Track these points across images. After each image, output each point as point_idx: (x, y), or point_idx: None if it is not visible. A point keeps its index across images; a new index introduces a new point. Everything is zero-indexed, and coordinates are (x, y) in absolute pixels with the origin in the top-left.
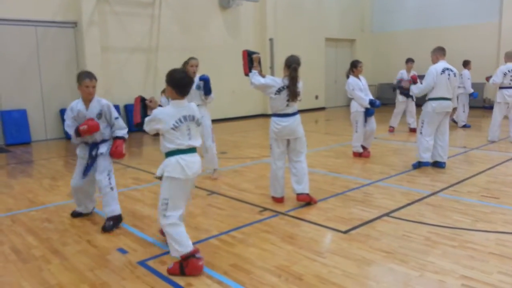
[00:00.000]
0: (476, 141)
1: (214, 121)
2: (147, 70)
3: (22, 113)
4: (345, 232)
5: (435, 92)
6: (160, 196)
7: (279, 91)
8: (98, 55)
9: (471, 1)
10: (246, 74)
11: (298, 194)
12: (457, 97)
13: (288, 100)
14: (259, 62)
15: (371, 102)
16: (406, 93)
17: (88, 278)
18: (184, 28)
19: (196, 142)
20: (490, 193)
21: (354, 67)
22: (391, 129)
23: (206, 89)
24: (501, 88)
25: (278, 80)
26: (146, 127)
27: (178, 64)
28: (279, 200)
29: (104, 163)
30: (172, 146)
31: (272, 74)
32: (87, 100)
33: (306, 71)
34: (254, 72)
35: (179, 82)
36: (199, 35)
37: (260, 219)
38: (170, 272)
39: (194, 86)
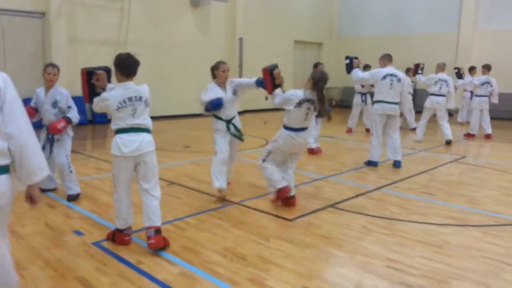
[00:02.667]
0: (426, 143)
1: (180, 116)
2: None
3: None
4: (291, 220)
5: (377, 95)
6: None
7: (299, 103)
8: (65, 46)
9: (433, 11)
10: (271, 93)
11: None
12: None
13: (307, 114)
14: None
15: None
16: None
17: (43, 256)
18: (153, 24)
19: (143, 121)
20: (428, 190)
21: (316, 68)
22: (349, 130)
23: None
24: (431, 94)
25: (298, 92)
26: (95, 107)
27: (147, 60)
28: (287, 188)
29: (61, 148)
30: (114, 127)
31: (240, 73)
32: (48, 87)
33: None
34: (278, 90)
35: (122, 63)
36: (169, 31)
37: (215, 208)
38: (107, 236)
39: (229, 94)
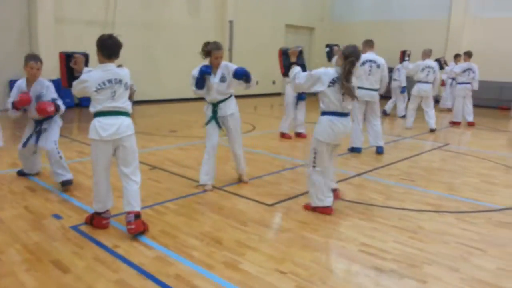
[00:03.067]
0: (411, 130)
1: (170, 100)
2: None
3: None
4: (271, 205)
5: (356, 82)
6: None
7: (332, 83)
8: (52, 26)
9: None
10: (284, 75)
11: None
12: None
13: (343, 94)
14: (301, 55)
15: None
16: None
17: (21, 239)
18: (142, 4)
19: (122, 104)
20: (408, 176)
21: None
22: None
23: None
24: (417, 82)
25: (329, 70)
26: (74, 90)
27: (136, 41)
28: (329, 210)
29: (49, 134)
30: (93, 109)
31: (230, 57)
32: (31, 81)
33: (265, 56)
34: (296, 68)
35: (104, 44)
36: (159, 12)
37: (195, 193)
38: (85, 220)
39: (217, 79)
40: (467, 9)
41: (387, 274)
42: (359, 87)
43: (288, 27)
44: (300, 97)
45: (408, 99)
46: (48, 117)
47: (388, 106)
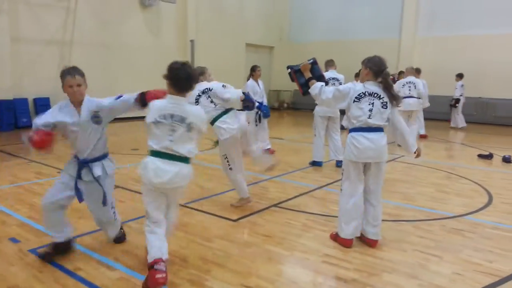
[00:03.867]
0: None
1: (130, 118)
2: (60, 64)
3: None
4: (235, 220)
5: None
6: None
7: (358, 98)
8: (7, 45)
9: (376, 19)
10: (304, 94)
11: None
12: None
13: (371, 111)
14: (315, 66)
15: (258, 107)
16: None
17: None
18: (101, 24)
19: (181, 149)
20: None
21: (253, 71)
22: None
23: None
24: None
25: (358, 85)
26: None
27: (94, 61)
28: (349, 242)
29: (107, 190)
30: (149, 144)
31: None
32: (76, 103)
33: (227, 74)
34: (317, 84)
35: (174, 75)
36: (118, 32)
37: None
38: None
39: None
40: (417, 29)
41: (349, 284)
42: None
43: (249, 46)
44: (264, 114)
45: None
46: (99, 157)
47: (344, 121)
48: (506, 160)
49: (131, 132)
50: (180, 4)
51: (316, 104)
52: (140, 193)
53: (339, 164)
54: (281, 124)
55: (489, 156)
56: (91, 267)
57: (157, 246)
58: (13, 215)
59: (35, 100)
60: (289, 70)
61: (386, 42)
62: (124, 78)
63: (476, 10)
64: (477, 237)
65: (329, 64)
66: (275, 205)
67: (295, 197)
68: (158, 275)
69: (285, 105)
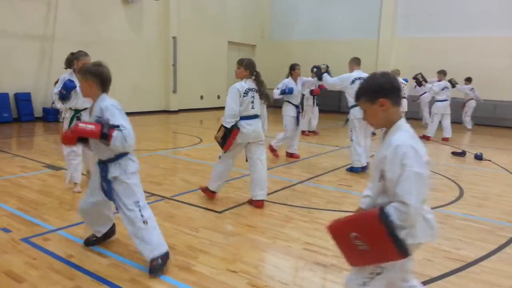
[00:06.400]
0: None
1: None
2: (42, 59)
3: None
4: (220, 212)
5: (350, 101)
6: None
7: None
8: None
9: (355, 19)
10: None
11: None
12: None
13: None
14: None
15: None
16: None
17: None
18: (83, 19)
19: None
20: (346, 182)
21: (292, 70)
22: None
23: None
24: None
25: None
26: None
27: None
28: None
29: (125, 190)
30: None
31: (175, 72)
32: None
33: (210, 71)
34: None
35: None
36: (99, 27)
37: (147, 203)
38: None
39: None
40: (394, 30)
41: (328, 268)
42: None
43: (231, 44)
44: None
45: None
46: (115, 158)
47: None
48: (477, 157)
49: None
50: (162, 1)
51: (352, 106)
52: None
53: (365, 168)
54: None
55: (462, 154)
56: (83, 254)
57: None
58: (2, 207)
59: (15, 95)
60: (315, 69)
61: (364, 42)
62: None
63: (454, 12)
64: (448, 227)
65: (355, 62)
66: None
67: (278, 190)
68: None
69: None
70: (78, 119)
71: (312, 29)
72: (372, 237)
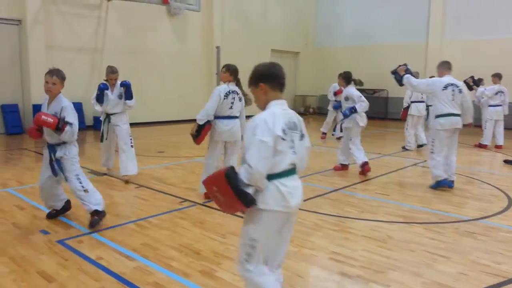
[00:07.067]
0: (391, 148)
1: (157, 123)
2: (92, 71)
3: None
4: None
5: (440, 108)
6: None
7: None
8: (43, 53)
9: (401, 22)
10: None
11: None
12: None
13: None
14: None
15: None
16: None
17: (8, 253)
18: (130, 32)
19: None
20: (383, 191)
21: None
22: (323, 136)
23: (128, 94)
24: (412, 102)
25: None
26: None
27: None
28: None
29: (69, 167)
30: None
31: (217, 80)
32: (50, 98)
33: None
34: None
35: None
36: (145, 39)
37: (179, 208)
38: None
39: (115, 95)
40: (444, 32)
41: (353, 280)
42: (448, 114)
43: (274, 51)
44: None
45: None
46: (62, 143)
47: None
48: None
49: (157, 136)
50: (205, 12)
51: (437, 116)
52: (161, 191)
53: (451, 184)
54: (307, 129)
55: None
56: (112, 257)
57: None
58: (43, 209)
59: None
60: (393, 75)
61: (412, 46)
62: (151, 83)
63: (506, 13)
64: (490, 240)
65: (446, 67)
66: None
67: (311, 198)
68: None
69: (311, 110)
70: (109, 122)
71: (357, 34)
72: (222, 190)
